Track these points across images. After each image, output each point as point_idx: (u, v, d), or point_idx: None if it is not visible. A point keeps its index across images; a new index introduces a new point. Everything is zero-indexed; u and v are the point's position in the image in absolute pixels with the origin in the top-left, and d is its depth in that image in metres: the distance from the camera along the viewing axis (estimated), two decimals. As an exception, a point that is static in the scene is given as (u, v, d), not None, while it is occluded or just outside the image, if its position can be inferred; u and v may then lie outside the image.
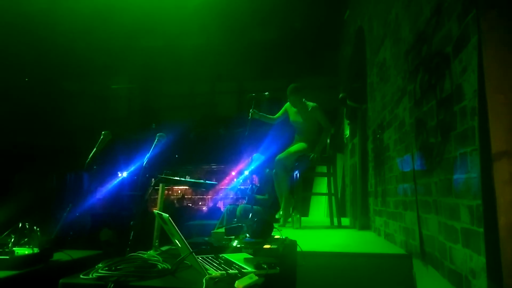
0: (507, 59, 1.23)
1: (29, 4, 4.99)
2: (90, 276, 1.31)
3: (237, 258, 1.59)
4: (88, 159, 2.81)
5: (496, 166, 1.20)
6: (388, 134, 2.93)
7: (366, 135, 3.87)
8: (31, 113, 6.76)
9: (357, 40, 4.54)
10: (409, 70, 2.32)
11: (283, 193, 3.92)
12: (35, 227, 1.83)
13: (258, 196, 4.35)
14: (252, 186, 4.13)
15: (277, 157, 3.92)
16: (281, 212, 3.92)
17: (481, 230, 1.34)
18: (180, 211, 7.92)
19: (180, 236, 1.46)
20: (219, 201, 8.76)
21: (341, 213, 4.44)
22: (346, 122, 5.23)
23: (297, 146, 3.98)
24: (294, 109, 4.07)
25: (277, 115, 4.15)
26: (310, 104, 3.99)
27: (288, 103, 4.09)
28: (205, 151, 8.33)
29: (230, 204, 4.83)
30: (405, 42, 2.41)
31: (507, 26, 1.24)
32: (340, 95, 4.49)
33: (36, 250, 1.74)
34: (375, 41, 3.48)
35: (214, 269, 1.38)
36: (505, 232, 1.16)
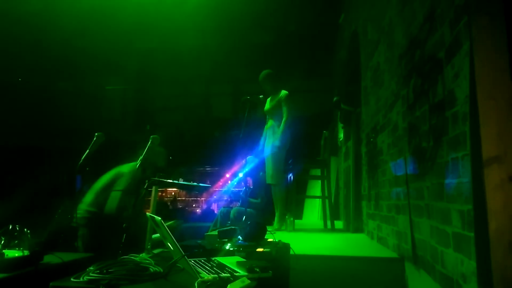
0: (498, 66, 1.24)
1: (23, 4, 4.95)
2: (81, 279, 1.30)
3: (230, 261, 1.59)
4: (81, 161, 2.80)
5: (487, 171, 1.21)
6: (381, 138, 2.95)
7: (360, 139, 3.89)
8: (24, 113, 6.70)
9: (352, 43, 4.57)
10: (402, 75, 2.34)
11: (279, 208, 3.90)
12: (25, 229, 1.81)
13: (251, 200, 4.34)
14: (245, 189, 4.12)
15: (273, 182, 3.84)
16: (276, 220, 3.91)
17: (472, 234, 1.35)
18: (174, 213, 7.88)
19: (172, 239, 1.45)
20: (213, 203, 8.73)
21: (335, 216, 4.45)
22: (340, 125, 5.25)
23: (272, 156, 3.84)
24: (270, 97, 4.04)
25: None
26: (284, 91, 3.94)
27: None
28: (199, 153, 8.30)
29: (224, 207, 4.82)
30: (399, 46, 2.43)
31: (498, 33, 1.25)
32: (335, 99, 4.51)
33: (26, 252, 1.72)
34: (369, 45, 3.50)
35: (206, 273, 1.38)
36: (495, 237, 1.16)
